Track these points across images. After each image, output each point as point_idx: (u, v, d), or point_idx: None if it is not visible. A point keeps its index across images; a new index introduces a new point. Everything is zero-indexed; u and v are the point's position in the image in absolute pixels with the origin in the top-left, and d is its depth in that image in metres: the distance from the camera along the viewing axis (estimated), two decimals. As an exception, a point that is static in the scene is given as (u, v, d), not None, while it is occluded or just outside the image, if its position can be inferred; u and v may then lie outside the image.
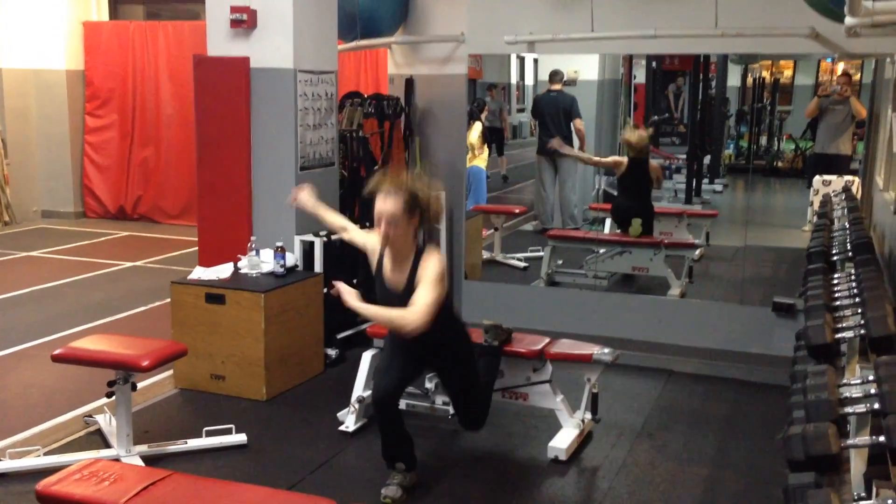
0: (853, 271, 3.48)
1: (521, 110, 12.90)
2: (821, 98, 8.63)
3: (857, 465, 2.12)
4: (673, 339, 5.76)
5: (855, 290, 3.19)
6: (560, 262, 7.32)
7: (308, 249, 5.47)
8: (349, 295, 3.54)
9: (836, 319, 2.95)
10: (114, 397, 4.09)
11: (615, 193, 8.05)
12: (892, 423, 1.93)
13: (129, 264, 8.22)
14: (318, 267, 5.42)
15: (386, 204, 3.58)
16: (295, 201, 4.30)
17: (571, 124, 8.40)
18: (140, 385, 4.45)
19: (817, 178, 8.14)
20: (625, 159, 7.49)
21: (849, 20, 3.00)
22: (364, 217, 6.11)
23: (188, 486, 2.91)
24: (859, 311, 2.94)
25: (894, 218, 5.26)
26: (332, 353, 5.51)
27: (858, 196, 6.89)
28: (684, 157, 8.93)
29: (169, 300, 5.18)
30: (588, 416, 4.43)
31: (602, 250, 7.18)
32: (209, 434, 4.32)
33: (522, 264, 7.83)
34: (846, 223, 4.72)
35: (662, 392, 5.24)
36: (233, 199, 5.55)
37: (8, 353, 5.64)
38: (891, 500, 1.81)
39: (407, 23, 6.69)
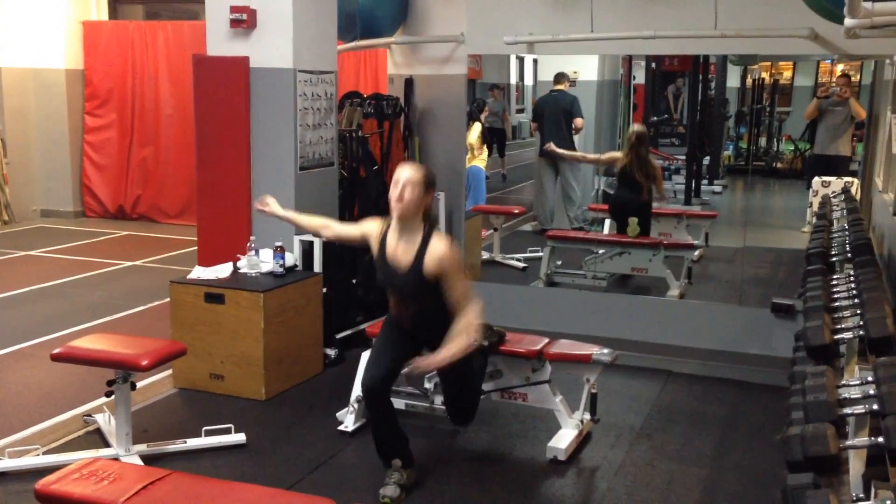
0: (852, 272, 3.49)
1: (520, 111, 12.90)
2: (820, 99, 8.65)
3: (856, 465, 2.13)
4: (672, 339, 5.76)
5: (854, 292, 3.20)
6: (559, 262, 7.33)
7: (307, 249, 5.46)
8: (427, 361, 3.63)
9: (835, 320, 2.96)
10: (113, 396, 4.09)
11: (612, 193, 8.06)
12: (890, 424, 1.93)
13: (128, 264, 8.22)
14: (317, 267, 5.42)
15: (406, 171, 3.68)
16: (261, 210, 4.28)
17: (573, 123, 8.42)
18: (139, 384, 4.44)
19: (816, 180, 8.16)
20: (620, 154, 7.46)
21: (848, 21, 3.00)
22: (364, 217, 6.12)
23: (187, 486, 2.91)
24: (858, 312, 2.95)
25: (893, 219, 5.27)
26: (331, 352, 5.51)
27: (858, 197, 6.91)
28: (683, 157, 8.94)
29: (168, 300, 5.18)
30: (587, 416, 4.43)
31: (601, 251, 7.19)
32: (208, 433, 4.32)
33: (521, 265, 7.84)
34: (845, 224, 4.73)
35: (661, 393, 5.24)
36: (232, 199, 5.55)
37: (7, 352, 5.64)
38: (889, 500, 1.81)
39: (406, 23, 6.70)
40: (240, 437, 4.33)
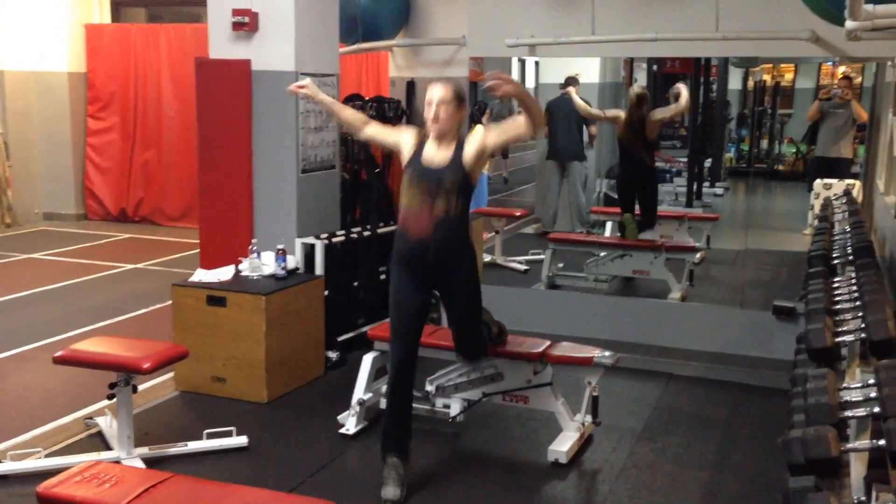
0: (854, 275, 3.48)
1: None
2: (822, 101, 8.64)
3: (858, 468, 2.13)
4: (673, 342, 5.76)
5: (855, 294, 3.20)
6: (561, 265, 7.33)
7: (309, 252, 5.47)
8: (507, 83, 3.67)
9: (837, 323, 2.95)
10: (115, 399, 4.10)
11: (615, 196, 8.04)
12: (892, 426, 1.93)
13: (130, 266, 8.23)
14: (319, 269, 5.42)
15: (437, 91, 3.78)
16: (295, 91, 4.25)
17: (587, 129, 8.42)
18: (141, 387, 4.45)
19: (818, 182, 8.15)
20: (622, 117, 7.33)
21: (849, 24, 3.00)
22: (365, 220, 6.13)
23: (189, 489, 2.92)
24: (860, 314, 2.94)
25: (895, 221, 5.26)
26: (332, 355, 5.52)
27: (859, 200, 6.90)
28: (685, 160, 8.93)
29: (170, 302, 5.18)
30: (588, 419, 4.44)
31: (603, 253, 7.19)
32: (210, 436, 4.32)
33: (523, 267, 7.84)
34: (847, 227, 4.72)
35: (663, 395, 5.23)
36: (234, 202, 5.55)
37: (9, 355, 5.64)
38: (891, 503, 1.81)
39: (408, 26, 6.71)
40: (241, 440, 4.34)
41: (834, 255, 4.15)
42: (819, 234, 4.63)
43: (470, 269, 4.00)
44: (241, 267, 5.25)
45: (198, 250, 5.82)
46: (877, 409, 2.10)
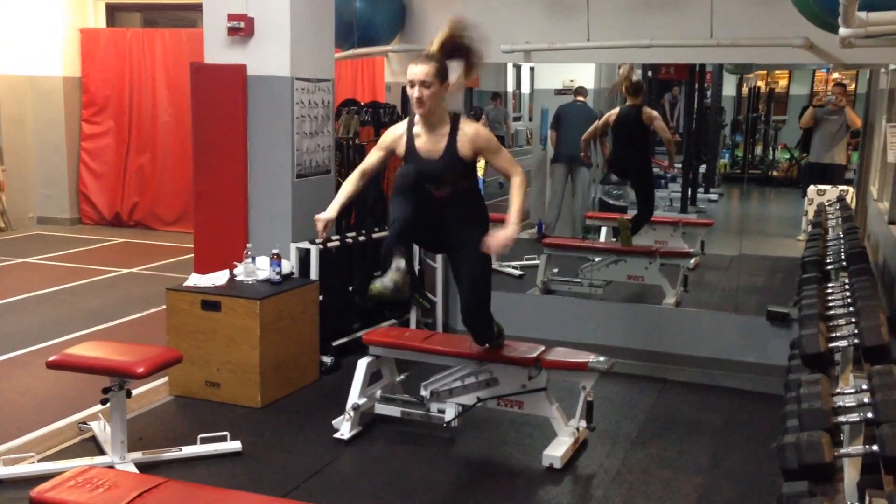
0: (847, 281, 3.49)
1: (517, 118, 12.93)
2: (816, 108, 8.66)
3: (851, 474, 2.13)
4: (668, 347, 5.77)
5: (849, 300, 3.21)
6: (556, 270, 7.33)
7: (304, 257, 5.47)
8: (498, 239, 3.69)
9: (830, 329, 2.96)
10: (108, 404, 4.09)
11: (610, 202, 8.05)
12: (885, 432, 1.94)
13: (124, 271, 8.21)
14: (313, 274, 5.42)
15: (417, 69, 3.72)
16: (324, 231, 4.20)
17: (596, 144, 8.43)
18: (135, 392, 4.43)
19: (812, 188, 8.17)
20: (614, 112, 7.31)
21: (843, 31, 3.02)
22: (360, 223, 6.13)
23: (182, 494, 2.91)
24: (853, 320, 2.95)
25: (888, 228, 5.29)
26: (327, 360, 5.51)
27: (853, 206, 6.92)
28: (680, 166, 8.94)
29: (164, 307, 5.17)
30: (583, 424, 4.44)
31: (598, 259, 7.19)
32: (204, 441, 4.31)
33: (518, 272, 7.84)
34: (840, 233, 4.74)
35: (657, 400, 5.24)
36: (229, 207, 5.55)
37: (2, 359, 5.63)
38: (883, 509, 1.82)
39: (403, 31, 6.71)
40: (235, 445, 4.33)
41: (827, 261, 4.16)
42: (813, 240, 4.65)
43: (477, 218, 3.99)
44: (235, 271, 5.25)
45: (192, 255, 5.82)
46: (870, 415, 2.10)
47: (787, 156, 10.74)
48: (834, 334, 2.90)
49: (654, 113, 7.28)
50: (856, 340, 2.76)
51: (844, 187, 7.86)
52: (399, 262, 3.90)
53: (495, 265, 7.86)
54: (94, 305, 6.95)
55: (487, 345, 4.30)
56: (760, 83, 11.17)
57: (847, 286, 3.39)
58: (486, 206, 4.17)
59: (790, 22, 4.85)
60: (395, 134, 3.98)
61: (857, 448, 2.07)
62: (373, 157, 4.11)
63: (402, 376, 4.92)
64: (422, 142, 3.84)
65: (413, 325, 6.07)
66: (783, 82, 11.33)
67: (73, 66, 10.45)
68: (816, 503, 1.91)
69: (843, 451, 2.09)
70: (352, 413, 4.53)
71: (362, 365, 4.61)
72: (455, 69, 3.83)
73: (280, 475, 4.13)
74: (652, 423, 4.88)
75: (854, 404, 2.21)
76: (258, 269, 5.22)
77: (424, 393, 4.54)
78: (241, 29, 5.38)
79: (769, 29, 5.35)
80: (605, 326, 5.91)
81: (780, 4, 4.95)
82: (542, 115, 9.11)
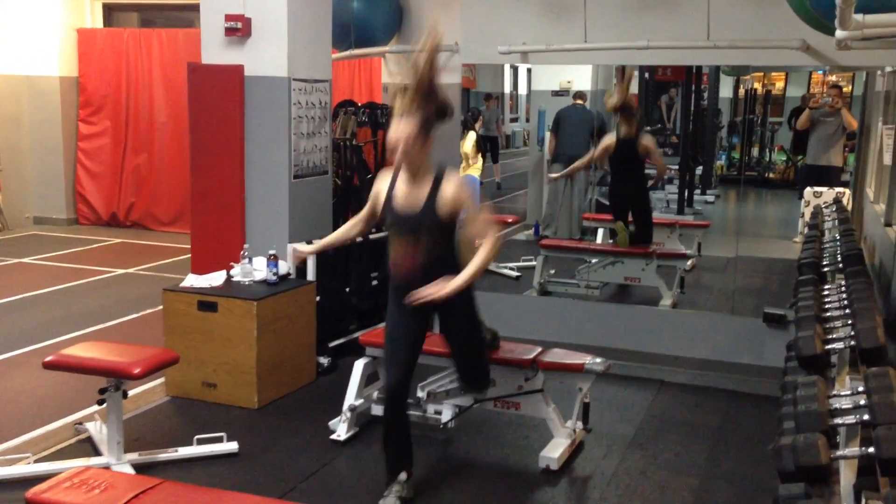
0: (843, 283, 3.49)
1: (514, 119, 12.95)
2: (812, 110, 8.68)
3: (847, 475, 2.13)
4: (664, 349, 5.77)
5: (845, 302, 3.21)
6: (552, 271, 7.33)
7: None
8: (437, 288, 3.55)
9: (827, 331, 2.97)
10: (105, 405, 4.08)
11: (607, 203, 8.06)
12: (881, 434, 1.94)
13: (121, 271, 8.20)
14: (310, 275, 5.42)
15: (400, 128, 3.54)
16: (297, 259, 4.25)
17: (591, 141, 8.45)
18: (131, 393, 4.43)
19: (808, 190, 8.19)
20: (612, 141, 7.31)
21: (839, 33, 3.02)
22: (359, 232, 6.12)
23: (179, 495, 2.91)
24: (849, 322, 2.96)
25: (884, 230, 5.30)
26: (324, 361, 5.51)
27: (849, 208, 6.94)
28: (676, 167, 8.96)
29: (161, 307, 5.17)
30: (580, 425, 4.44)
31: (594, 260, 7.20)
32: (200, 442, 4.31)
33: (515, 274, 7.84)
34: (837, 234, 4.75)
35: (654, 402, 5.24)
36: (226, 207, 5.55)
37: (-2, 359, 5.63)
38: (879, 510, 1.82)
39: (401, 32, 6.72)
40: (232, 446, 4.32)
41: (824, 263, 4.16)
42: (809, 242, 4.65)
43: (466, 303, 3.83)
44: (232, 272, 5.25)
45: (189, 255, 5.81)
46: (866, 417, 2.10)
47: (784, 157, 10.76)
48: (830, 336, 2.90)
49: (650, 144, 7.35)
50: (852, 342, 2.76)
51: (841, 189, 7.88)
52: (401, 476, 3.82)
53: (492, 267, 7.88)
54: (91, 306, 6.94)
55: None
56: (757, 85, 11.19)
57: (843, 288, 3.39)
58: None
59: (787, 24, 4.87)
60: (379, 186, 3.81)
61: (854, 450, 2.08)
62: (366, 209, 3.97)
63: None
64: (402, 193, 3.68)
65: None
66: (780, 84, 11.35)
67: (70, 65, 10.43)
68: (812, 505, 1.91)
69: (839, 453, 2.09)
70: (348, 414, 4.53)
71: (359, 366, 4.61)
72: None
73: (276, 476, 4.12)
74: (648, 425, 4.88)
75: (850, 406, 2.21)
76: (255, 269, 5.21)
77: (421, 394, 4.54)
78: (239, 29, 5.37)
79: (766, 31, 5.36)
80: (602, 328, 5.92)
81: (776, 6, 4.97)
82: (540, 116, 9.12)
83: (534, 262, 7.39)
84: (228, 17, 5.38)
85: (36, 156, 10.47)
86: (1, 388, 5.14)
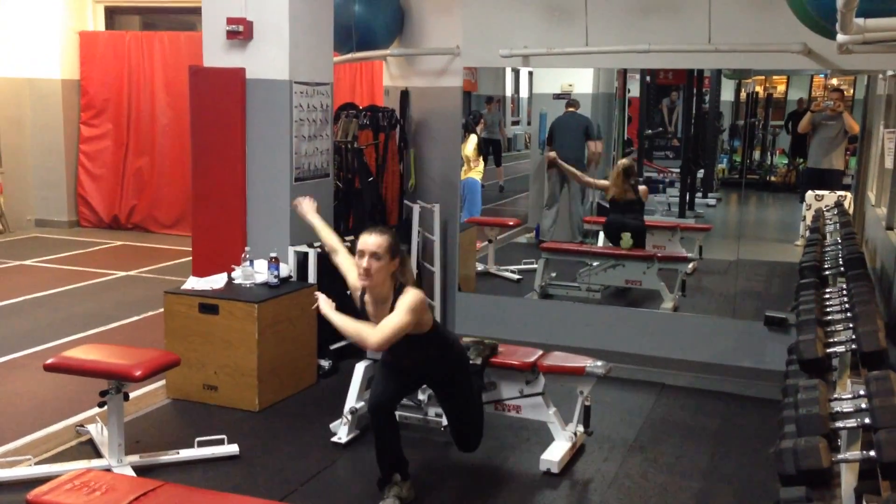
0: (845, 286, 3.50)
1: (515, 122, 12.95)
2: (814, 113, 8.68)
3: (848, 479, 2.13)
4: (665, 352, 5.77)
5: (846, 305, 3.21)
6: (553, 274, 7.33)
7: (302, 260, 5.47)
8: (325, 303, 3.71)
9: (828, 334, 2.97)
10: (106, 407, 4.08)
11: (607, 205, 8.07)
12: (882, 437, 1.94)
13: (122, 274, 8.21)
14: (311, 278, 5.42)
15: (371, 237, 3.65)
16: (297, 206, 4.26)
17: (586, 145, 8.51)
18: (132, 395, 4.43)
19: (810, 193, 8.18)
20: (610, 184, 7.60)
21: (840, 37, 3.02)
22: (359, 228, 6.13)
23: (179, 497, 2.91)
24: (851, 325, 2.96)
25: (886, 233, 5.29)
26: (325, 364, 5.51)
27: (851, 211, 6.93)
28: (678, 170, 8.95)
29: (162, 310, 5.17)
30: (580, 428, 4.44)
31: (595, 263, 7.20)
32: (201, 445, 4.31)
33: (516, 276, 7.84)
34: (838, 238, 4.75)
35: (655, 405, 5.24)
36: (227, 210, 5.55)
37: (0, 361, 5.62)
38: (881, 514, 1.82)
39: (402, 35, 6.72)
40: (233, 449, 4.32)
41: (825, 267, 4.16)
42: (811, 246, 4.65)
43: (452, 374, 3.92)
44: (233, 275, 5.25)
45: (190, 258, 5.82)
46: (867, 420, 2.10)
47: (785, 161, 10.76)
48: (831, 340, 2.90)
49: (644, 188, 7.78)
50: (853, 346, 2.76)
51: (842, 193, 7.87)
52: (395, 477, 3.85)
53: (493, 270, 7.89)
54: (92, 308, 6.95)
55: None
56: (758, 88, 11.19)
57: (845, 291, 3.39)
58: (451, 339, 4.05)
59: (788, 28, 4.87)
60: (354, 278, 3.83)
61: (855, 453, 2.08)
62: (348, 263, 3.96)
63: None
64: (369, 308, 3.80)
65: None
66: (781, 87, 11.35)
67: (72, 68, 10.45)
68: (813, 509, 1.91)
69: (840, 456, 2.09)
70: (349, 417, 4.53)
71: (360, 369, 4.61)
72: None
73: (277, 479, 4.12)
74: (649, 428, 4.88)
75: (851, 410, 2.21)
76: (256, 272, 5.22)
77: (422, 397, 4.54)
78: (240, 32, 5.38)
79: (767, 34, 5.36)
80: (603, 331, 5.91)
81: (778, 10, 4.97)
82: (541, 120, 9.13)
83: (535, 265, 7.39)
84: (230, 20, 5.39)
85: (37, 158, 10.49)
86: (2, 391, 5.15)
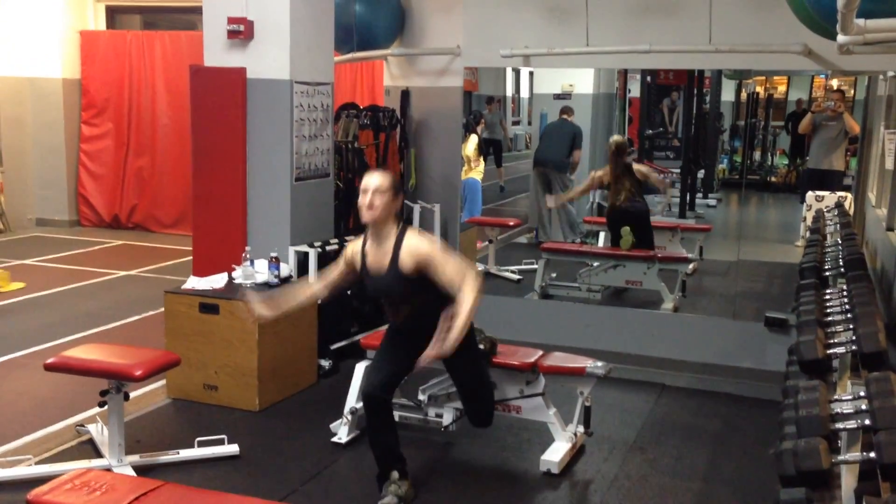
0: (845, 287, 3.49)
1: (516, 122, 12.95)
2: (814, 114, 8.68)
3: (848, 480, 2.13)
4: (666, 353, 5.77)
5: (847, 306, 3.21)
6: (554, 275, 7.33)
7: (302, 260, 5.47)
8: (438, 348, 3.56)
9: (828, 335, 2.96)
10: (106, 407, 4.08)
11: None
12: (882, 439, 1.94)
13: (122, 273, 8.21)
14: (312, 278, 5.41)
15: (373, 179, 3.71)
16: (253, 317, 4.05)
17: (572, 153, 8.54)
18: (132, 395, 4.43)
19: (810, 194, 8.18)
20: (601, 172, 7.51)
21: (841, 38, 3.02)
22: (359, 228, 6.13)
23: (180, 497, 2.91)
24: (851, 326, 2.96)
25: (886, 234, 5.29)
26: (325, 363, 5.51)
27: (851, 212, 6.93)
28: (678, 171, 8.96)
29: (162, 310, 5.17)
30: (581, 429, 4.44)
31: (596, 263, 7.20)
32: (201, 444, 4.31)
33: (516, 277, 7.85)
34: (839, 239, 4.75)
35: (655, 406, 5.24)
36: (228, 209, 5.55)
37: (0, 361, 5.62)
38: (881, 515, 1.82)
39: (403, 35, 6.72)
40: (233, 449, 4.32)
41: (826, 267, 4.16)
42: (811, 246, 4.65)
43: (466, 346, 3.80)
44: (234, 274, 5.25)
45: (191, 257, 5.82)
46: (867, 422, 2.10)
47: (786, 161, 10.76)
48: (832, 341, 2.90)
49: (644, 169, 7.58)
50: (854, 347, 2.76)
51: (843, 193, 7.87)
52: (393, 475, 3.83)
53: (493, 270, 7.89)
54: (92, 308, 6.95)
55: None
56: (759, 89, 11.19)
57: (845, 292, 3.39)
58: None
59: (789, 28, 4.87)
60: (352, 249, 3.88)
61: (855, 455, 2.08)
62: (333, 271, 3.99)
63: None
64: (371, 256, 3.78)
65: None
66: (782, 88, 11.36)
67: (73, 68, 10.45)
68: (813, 510, 1.91)
69: (840, 457, 2.09)
70: (349, 417, 4.53)
71: (360, 369, 4.60)
72: None
73: (277, 479, 4.12)
74: (650, 429, 4.88)
75: (852, 411, 2.21)
76: (257, 272, 5.22)
77: (422, 397, 4.53)
78: (241, 32, 5.38)
79: (768, 35, 5.36)
80: (604, 331, 5.91)
81: (778, 11, 4.97)
82: (542, 120, 9.14)
83: (535, 266, 7.39)
84: (231, 20, 5.39)
85: (38, 157, 10.49)
86: (2, 390, 5.15)
